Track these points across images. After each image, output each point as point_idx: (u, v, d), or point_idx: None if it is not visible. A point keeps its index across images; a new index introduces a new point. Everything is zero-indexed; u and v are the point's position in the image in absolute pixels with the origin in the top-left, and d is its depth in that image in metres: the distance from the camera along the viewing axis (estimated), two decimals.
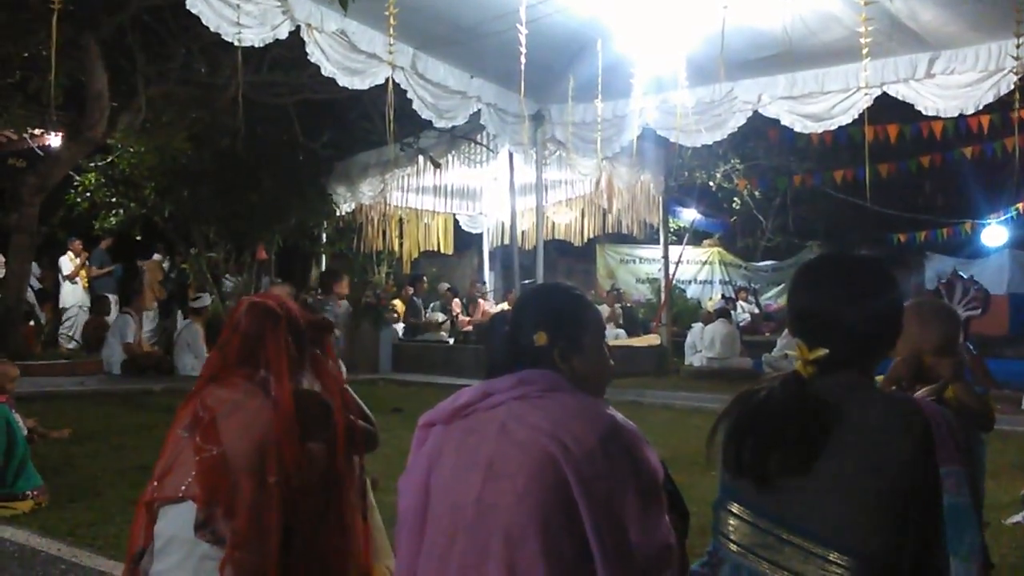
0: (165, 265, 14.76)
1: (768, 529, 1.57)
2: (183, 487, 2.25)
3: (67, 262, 14.08)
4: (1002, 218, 16.61)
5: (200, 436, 2.31)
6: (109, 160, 12.26)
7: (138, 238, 13.86)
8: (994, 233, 17.24)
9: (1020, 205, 15.37)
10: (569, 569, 1.73)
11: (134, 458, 6.23)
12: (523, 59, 7.24)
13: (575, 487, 1.74)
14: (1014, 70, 7.42)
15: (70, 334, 13.39)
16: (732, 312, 15.73)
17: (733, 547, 1.63)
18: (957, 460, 1.49)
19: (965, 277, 13.74)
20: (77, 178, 12.37)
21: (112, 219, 12.75)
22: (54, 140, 12.16)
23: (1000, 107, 9.55)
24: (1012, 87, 7.58)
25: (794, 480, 1.54)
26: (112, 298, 13.69)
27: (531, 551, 1.73)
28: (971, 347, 12.85)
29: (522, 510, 1.75)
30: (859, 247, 17.87)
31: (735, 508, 1.64)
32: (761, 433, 1.60)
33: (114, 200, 12.63)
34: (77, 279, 14.06)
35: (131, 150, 12.06)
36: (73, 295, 14.00)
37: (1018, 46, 6.88)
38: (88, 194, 12.45)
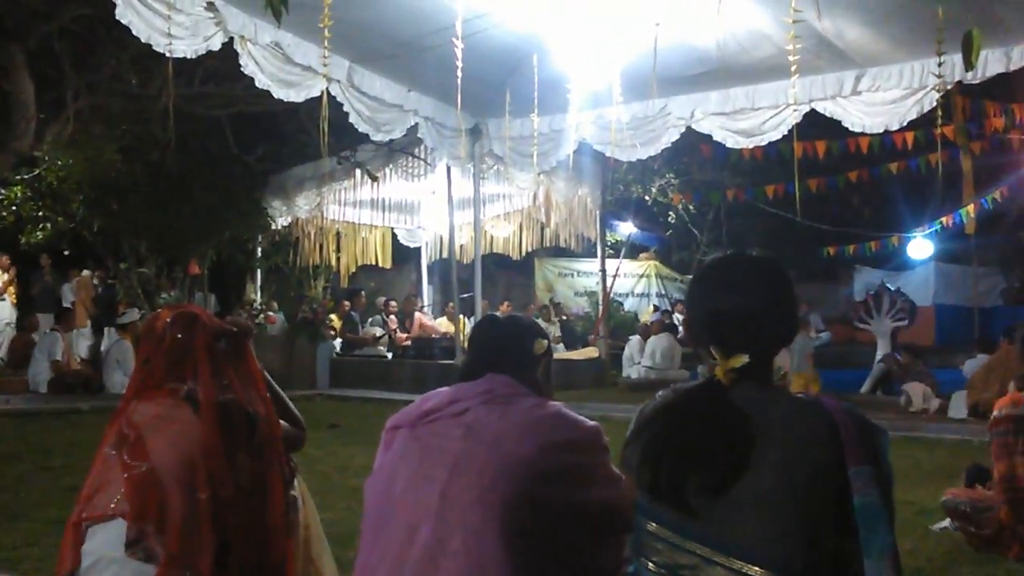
0: (95, 281, 14.43)
1: (690, 549, 1.50)
2: (112, 504, 2.21)
3: None
4: (927, 231, 17.10)
5: (127, 454, 2.26)
6: (36, 173, 11.94)
7: (66, 253, 13.51)
8: (919, 246, 17.74)
9: (944, 219, 15.84)
10: (529, 566, 1.77)
11: (61, 479, 6.06)
12: (460, 73, 7.25)
13: (538, 488, 1.80)
14: (936, 87, 7.66)
15: None
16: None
17: (655, 569, 1.54)
18: (864, 459, 1.45)
19: (892, 289, 14.14)
20: (2, 191, 12.03)
21: (39, 233, 12.41)
22: None
23: (924, 123, 9.84)
24: (935, 104, 7.80)
25: (714, 499, 1.48)
26: (42, 316, 13.33)
27: (492, 548, 1.76)
28: (898, 356, 13.22)
29: (484, 507, 1.78)
30: (791, 260, 18.24)
31: (654, 528, 1.56)
32: (681, 456, 1.52)
33: (41, 214, 12.30)
34: (5, 295, 13.66)
35: (59, 162, 11.78)
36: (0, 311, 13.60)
37: (940, 64, 7.09)
38: (14, 208, 12.12)
